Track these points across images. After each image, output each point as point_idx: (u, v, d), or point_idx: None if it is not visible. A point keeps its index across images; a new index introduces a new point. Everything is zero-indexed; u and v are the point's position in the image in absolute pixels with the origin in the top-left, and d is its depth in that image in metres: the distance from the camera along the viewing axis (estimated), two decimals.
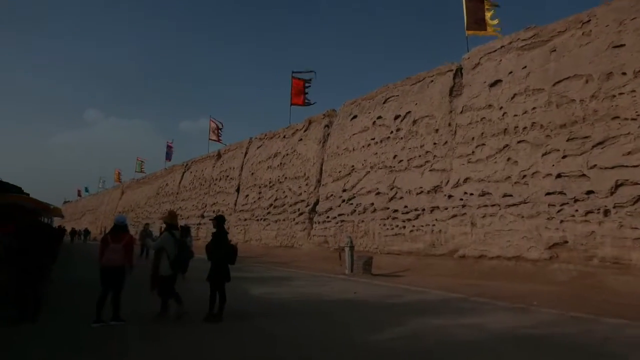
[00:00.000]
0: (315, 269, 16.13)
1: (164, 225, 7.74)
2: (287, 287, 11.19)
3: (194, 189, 39.19)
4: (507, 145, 14.35)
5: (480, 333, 6.24)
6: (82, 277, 11.48)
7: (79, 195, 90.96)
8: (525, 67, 14.43)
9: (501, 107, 14.85)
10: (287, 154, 26.63)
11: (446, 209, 15.84)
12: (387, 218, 18.17)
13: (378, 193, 19.02)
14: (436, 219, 16.17)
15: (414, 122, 18.21)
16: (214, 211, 33.94)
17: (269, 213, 26.68)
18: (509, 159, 14.17)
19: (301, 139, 25.94)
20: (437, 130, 17.12)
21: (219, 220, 7.48)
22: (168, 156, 46.99)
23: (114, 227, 7.07)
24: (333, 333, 6.21)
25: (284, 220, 25.16)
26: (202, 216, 35.59)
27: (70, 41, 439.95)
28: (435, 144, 17.05)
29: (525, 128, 13.86)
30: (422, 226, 16.64)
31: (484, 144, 15.13)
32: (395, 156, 18.67)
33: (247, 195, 29.80)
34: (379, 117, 20.30)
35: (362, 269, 13.70)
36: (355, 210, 20.04)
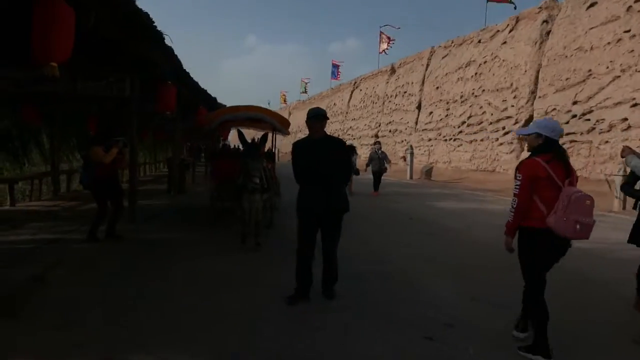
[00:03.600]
0: None
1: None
2: None
3: (365, 108, 37.62)
4: None
5: None
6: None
7: None
8: None
9: None
10: (485, 62, 22.48)
11: None
12: None
13: (635, 105, 14.34)
14: None
15: None
16: (389, 130, 32.06)
17: (460, 132, 23.55)
18: None
19: (505, 42, 21.40)
20: None
21: None
22: (334, 75, 45.85)
23: None
24: None
25: (481, 140, 21.83)
26: (376, 136, 34.04)
27: None
28: None
29: None
30: None
31: None
32: None
33: (430, 113, 26.86)
34: (638, 0, 14.85)
35: None
36: (594, 128, 15.73)
